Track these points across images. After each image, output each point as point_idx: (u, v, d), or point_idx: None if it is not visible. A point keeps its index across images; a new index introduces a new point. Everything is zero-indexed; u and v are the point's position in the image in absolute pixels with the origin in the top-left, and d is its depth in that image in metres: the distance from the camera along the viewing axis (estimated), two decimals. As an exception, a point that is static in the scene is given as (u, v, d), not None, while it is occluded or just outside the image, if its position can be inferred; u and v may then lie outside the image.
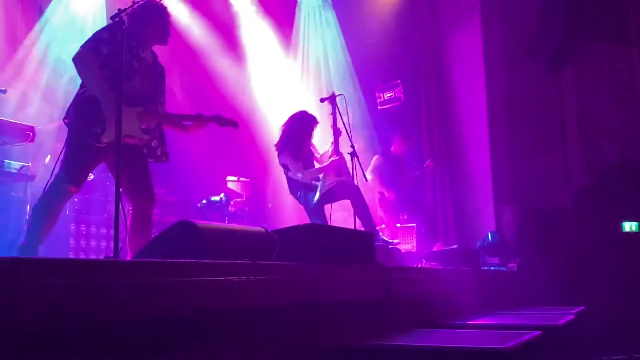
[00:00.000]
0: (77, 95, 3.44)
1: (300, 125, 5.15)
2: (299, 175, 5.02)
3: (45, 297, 1.41)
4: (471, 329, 3.11)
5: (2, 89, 4.81)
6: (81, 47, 3.37)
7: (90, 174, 5.21)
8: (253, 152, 8.01)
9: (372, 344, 2.40)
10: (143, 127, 3.50)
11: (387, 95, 8.02)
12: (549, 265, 5.70)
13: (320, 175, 5.03)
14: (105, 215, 5.69)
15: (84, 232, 5.36)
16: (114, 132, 3.31)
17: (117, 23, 3.37)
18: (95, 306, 1.52)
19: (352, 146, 5.22)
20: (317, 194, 4.98)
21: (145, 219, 3.49)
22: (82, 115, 3.36)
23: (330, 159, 5.14)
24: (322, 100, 5.36)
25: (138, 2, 3.20)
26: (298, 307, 2.25)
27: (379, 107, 8.00)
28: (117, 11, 3.09)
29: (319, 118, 5.28)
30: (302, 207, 5.27)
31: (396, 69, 7.96)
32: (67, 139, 3.42)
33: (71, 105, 3.44)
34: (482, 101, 6.99)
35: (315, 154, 5.33)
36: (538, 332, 2.67)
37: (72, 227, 5.27)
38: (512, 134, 6.85)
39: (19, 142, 4.63)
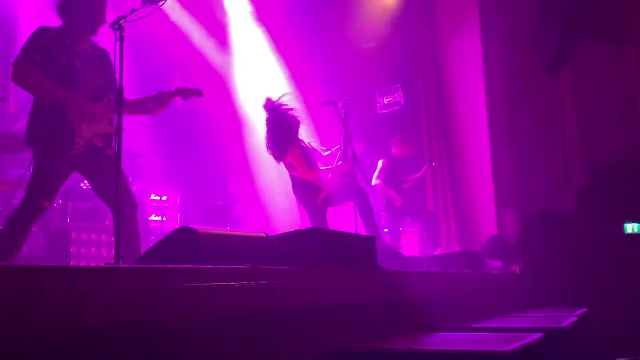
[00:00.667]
0: (32, 110, 3.29)
1: (281, 118, 5.03)
2: (303, 172, 4.98)
3: (46, 304, 1.40)
4: (473, 332, 3.10)
5: (2, 97, 4.80)
6: (13, 64, 3.24)
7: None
8: (254, 157, 8.02)
9: (374, 348, 2.39)
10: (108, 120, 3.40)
11: (387, 99, 8.04)
12: (551, 268, 5.69)
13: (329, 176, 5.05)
14: (107, 222, 5.70)
15: (85, 240, 5.36)
16: (85, 134, 3.28)
17: (40, 29, 3.34)
18: (96, 313, 1.51)
19: (353, 150, 5.23)
20: (322, 195, 4.97)
21: (129, 226, 3.34)
22: (45, 126, 3.23)
23: (338, 162, 5.15)
24: (323, 104, 5.36)
25: (137, 8, 3.17)
26: (299, 311, 2.25)
27: (379, 111, 8.01)
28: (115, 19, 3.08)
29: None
30: (303, 211, 5.26)
31: (395, 73, 7.98)
32: (34, 155, 3.26)
33: (29, 123, 3.28)
34: (482, 104, 7.00)
35: (321, 152, 5.33)
36: (540, 335, 2.66)
37: (73, 235, 5.27)
38: (512, 136, 6.85)
39: (19, 150, 4.62)
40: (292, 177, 5.14)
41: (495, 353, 2.17)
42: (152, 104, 3.64)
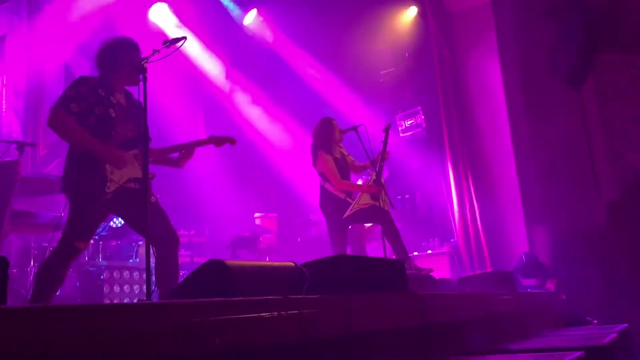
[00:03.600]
0: (67, 156, 3.38)
1: (321, 127, 5.33)
2: (333, 182, 5.08)
3: (83, 342, 1.42)
4: (512, 354, 3.03)
5: (32, 142, 4.93)
6: (51, 110, 3.32)
7: (121, 219, 5.31)
8: (279, 188, 8.08)
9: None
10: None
11: (408, 122, 8.04)
12: (586, 283, 5.56)
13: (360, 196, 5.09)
14: (138, 260, 5.75)
15: (117, 278, 5.41)
16: (117, 179, 3.35)
17: (79, 79, 3.44)
18: (131, 349, 1.53)
19: (379, 173, 5.26)
20: (349, 210, 5.02)
21: (171, 261, 3.40)
22: (79, 172, 3.31)
23: (371, 183, 5.19)
24: (344, 131, 5.41)
25: (159, 49, 3.25)
26: (331, 339, 2.23)
27: (401, 135, 8.01)
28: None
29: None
30: (332, 233, 5.25)
31: (416, 96, 8.00)
32: (69, 199, 3.35)
33: (65, 168, 3.37)
34: (504, 121, 6.96)
35: (356, 167, 5.41)
36: (581, 353, 2.59)
37: (105, 274, 5.33)
38: (538, 152, 6.78)
39: (51, 192, 4.72)
40: (322, 189, 5.21)
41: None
42: (176, 155, 3.72)
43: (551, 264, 6.08)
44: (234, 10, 8.13)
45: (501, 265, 6.39)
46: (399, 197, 7.52)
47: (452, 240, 6.76)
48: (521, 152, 6.87)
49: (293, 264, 2.65)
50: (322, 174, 5.21)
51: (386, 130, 5.49)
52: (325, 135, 5.30)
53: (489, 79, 7.17)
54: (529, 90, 6.91)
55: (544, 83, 6.78)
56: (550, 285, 5.80)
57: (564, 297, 5.51)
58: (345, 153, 5.42)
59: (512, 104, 6.98)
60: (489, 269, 6.04)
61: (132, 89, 3.55)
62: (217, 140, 3.76)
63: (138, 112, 3.43)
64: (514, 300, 4.70)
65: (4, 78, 6.17)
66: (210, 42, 8.00)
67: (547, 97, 6.76)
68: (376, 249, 6.02)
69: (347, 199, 5.12)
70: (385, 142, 5.41)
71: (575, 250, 5.99)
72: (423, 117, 7.86)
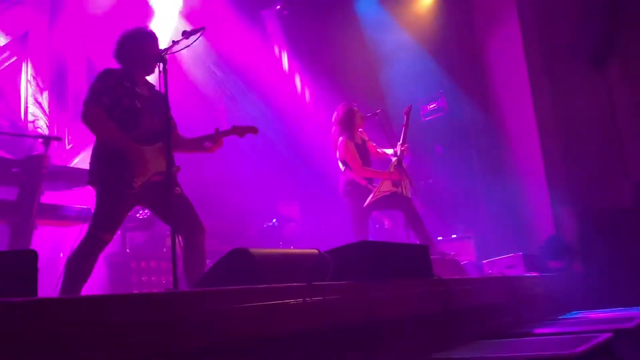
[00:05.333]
0: (94, 151, 3.44)
1: (342, 113, 5.33)
2: (354, 169, 5.08)
3: (112, 332, 1.45)
4: (538, 337, 3.02)
5: (58, 137, 5.00)
6: (84, 105, 3.38)
7: (147, 210, 5.39)
8: (303, 175, 8.10)
9: None
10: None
11: (431, 106, 7.97)
12: (614, 265, 5.48)
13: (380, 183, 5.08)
14: (164, 250, 5.83)
15: (145, 268, 5.50)
16: (144, 173, 3.39)
17: (105, 71, 3.47)
18: (159, 338, 1.56)
19: (400, 159, 5.24)
20: (370, 197, 5.00)
21: (198, 250, 3.46)
22: (106, 166, 3.36)
23: (392, 170, 5.17)
24: (374, 114, 5.38)
25: (177, 41, 3.27)
26: (356, 326, 2.24)
27: (423, 119, 7.95)
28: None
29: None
30: (354, 220, 5.26)
31: (437, 79, 7.92)
32: (97, 192, 3.41)
33: (92, 163, 3.43)
34: (528, 102, 6.85)
35: (378, 151, 5.40)
36: (609, 335, 2.57)
37: (133, 265, 5.41)
38: (562, 133, 6.67)
39: (77, 186, 4.80)
40: (343, 176, 5.20)
41: (562, 357, 2.11)
42: (209, 143, 3.74)
43: (578, 245, 6.01)
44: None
45: (526, 248, 6.33)
46: (422, 182, 7.47)
47: (476, 224, 6.71)
48: (545, 133, 6.78)
49: (316, 251, 2.67)
50: (343, 161, 5.20)
51: (407, 114, 5.46)
52: (346, 122, 5.29)
53: (511, 60, 7.07)
54: (552, 71, 6.79)
55: (568, 63, 6.65)
56: (577, 267, 5.73)
57: (592, 278, 5.45)
58: (366, 139, 5.40)
59: (535, 85, 6.87)
60: (514, 252, 5.99)
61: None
62: (240, 130, 3.79)
63: (161, 102, 3.47)
64: (540, 283, 4.67)
65: (28, 74, 6.27)
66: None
67: (571, 77, 6.64)
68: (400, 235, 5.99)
69: (369, 186, 5.11)
70: (406, 126, 5.38)
71: (603, 232, 5.90)
72: (445, 100, 7.78)
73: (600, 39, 6.42)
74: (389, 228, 6.30)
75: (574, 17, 6.62)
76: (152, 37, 3.60)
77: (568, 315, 4.26)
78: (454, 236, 6.66)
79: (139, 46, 3.53)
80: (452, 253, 5.47)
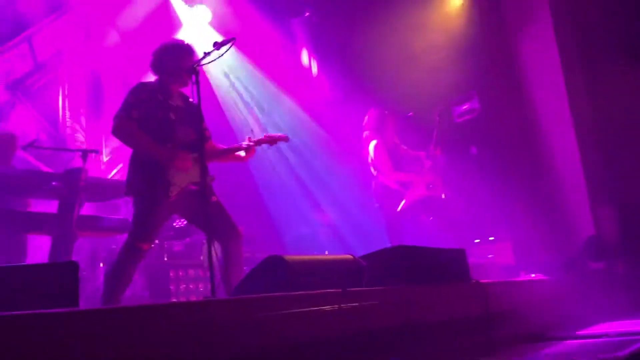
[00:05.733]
0: (130, 162, 3.51)
1: (373, 117, 5.31)
2: (386, 173, 5.05)
3: (153, 341, 1.47)
4: (580, 340, 2.95)
5: (95, 150, 5.11)
6: (115, 118, 3.45)
7: (183, 219, 5.46)
8: (336, 180, 8.10)
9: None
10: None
11: (464, 107, 7.88)
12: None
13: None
14: (202, 258, 5.89)
15: (183, 276, 5.56)
16: (179, 183, 3.43)
17: (138, 85, 3.53)
18: (199, 346, 1.57)
19: (433, 162, 5.19)
20: (404, 202, 4.97)
21: (235, 257, 3.50)
22: (142, 177, 3.43)
23: (425, 172, 5.13)
24: (406, 117, 5.35)
25: (208, 52, 3.30)
26: (392, 331, 2.23)
27: (456, 120, 7.87)
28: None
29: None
30: (388, 226, 5.23)
31: (469, 79, 7.82)
32: (134, 202, 3.47)
33: (129, 173, 3.50)
34: (564, 100, 6.71)
35: (410, 155, 5.37)
36: (655, 338, 2.49)
37: (172, 273, 5.48)
38: (601, 131, 6.51)
39: (115, 197, 4.89)
40: (375, 181, 5.18)
41: (607, 360, 2.05)
42: (241, 153, 3.79)
43: (619, 246, 5.85)
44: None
45: (566, 249, 6.20)
46: (457, 184, 7.37)
47: (514, 225, 6.59)
48: (583, 131, 6.62)
49: (351, 256, 2.66)
50: (374, 165, 5.18)
51: (439, 116, 5.41)
52: (377, 126, 5.27)
53: (545, 57, 6.93)
54: (588, 67, 6.64)
55: (605, 58, 6.49)
56: (618, 269, 5.58)
57: (635, 280, 5.29)
58: (398, 143, 5.37)
59: (570, 82, 6.72)
60: (554, 254, 5.86)
61: (188, 91, 3.62)
62: (272, 139, 3.82)
63: (195, 114, 3.52)
64: (581, 285, 4.56)
65: (66, 89, 6.43)
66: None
67: (609, 73, 6.48)
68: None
69: (401, 189, 5.07)
70: (438, 129, 5.33)
71: (645, 230, 5.74)
72: (478, 100, 7.69)
73: (638, 31, 6.25)
74: (428, 230, 6.24)
75: (610, 9, 6.46)
76: (188, 50, 3.65)
77: (611, 317, 4.15)
78: (491, 239, 6.55)
79: (175, 59, 3.59)
80: (489, 256, 5.39)
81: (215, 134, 3.96)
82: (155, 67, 3.67)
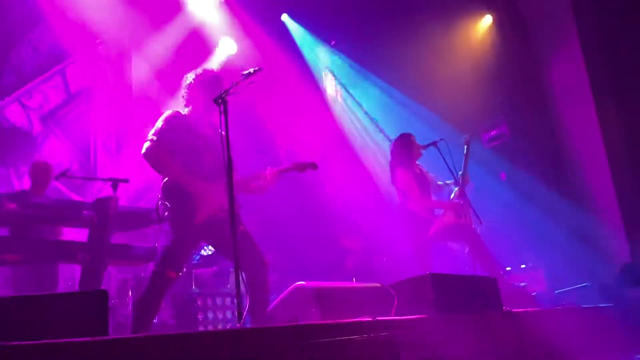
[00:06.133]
0: (161, 188, 3.53)
1: (400, 143, 5.24)
2: (414, 199, 5.00)
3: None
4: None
5: (125, 179, 5.18)
6: (147, 142, 3.50)
7: (211, 247, 5.48)
8: (363, 206, 8.06)
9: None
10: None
11: (492, 132, 7.83)
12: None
13: (440, 212, 4.99)
14: (229, 286, 5.89)
15: (210, 305, 5.56)
16: (206, 209, 3.45)
17: (170, 113, 3.58)
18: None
19: (462, 188, 5.14)
20: (433, 228, 4.91)
21: (261, 285, 3.47)
22: (171, 203, 3.45)
23: (454, 199, 5.08)
24: (425, 146, 5.32)
25: (236, 82, 3.34)
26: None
27: (485, 146, 7.80)
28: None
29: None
30: (416, 252, 5.16)
31: (497, 105, 7.77)
32: (163, 231, 3.52)
33: (159, 200, 3.52)
34: (594, 124, 6.61)
35: (436, 182, 5.32)
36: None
37: (199, 302, 5.48)
38: (633, 154, 6.38)
39: (143, 225, 4.93)
40: (402, 208, 5.13)
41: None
42: (256, 183, 3.77)
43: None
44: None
45: (601, 276, 6.04)
46: (487, 210, 7.28)
47: (546, 252, 6.45)
48: (615, 154, 6.49)
49: (380, 285, 2.62)
50: (402, 192, 5.14)
51: (467, 143, 5.37)
52: (404, 152, 5.24)
53: (575, 84, 6.86)
54: (619, 89, 6.54)
55: (636, 85, 6.39)
56: (658, 296, 5.40)
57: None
58: (425, 171, 5.33)
59: (601, 105, 6.62)
60: (587, 282, 5.71)
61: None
62: (300, 167, 3.82)
63: (223, 143, 3.54)
64: (617, 314, 4.42)
65: (96, 120, 6.58)
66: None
67: (640, 95, 6.38)
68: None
69: (430, 216, 5.02)
70: (467, 155, 5.29)
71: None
72: (507, 125, 7.62)
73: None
74: (456, 258, 6.16)
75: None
76: (219, 81, 3.69)
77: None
78: (523, 266, 6.43)
79: (206, 90, 3.63)
80: (522, 284, 5.27)
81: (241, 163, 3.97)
82: (186, 96, 3.73)
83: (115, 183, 4.48)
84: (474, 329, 2.58)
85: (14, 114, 5.98)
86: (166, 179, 3.54)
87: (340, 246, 7.45)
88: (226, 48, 7.64)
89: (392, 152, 5.38)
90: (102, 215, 4.28)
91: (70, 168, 5.41)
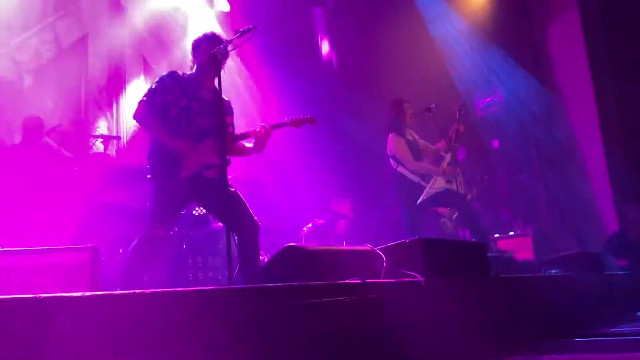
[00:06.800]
0: (149, 147, 3.52)
1: (393, 110, 5.24)
2: (406, 164, 5.01)
3: (171, 324, 1.47)
4: (605, 337, 2.90)
5: (116, 136, 5.13)
6: (138, 103, 3.49)
7: (202, 209, 5.48)
8: (355, 171, 8.06)
9: None
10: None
11: (488, 100, 7.79)
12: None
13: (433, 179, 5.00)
14: (220, 246, 5.90)
15: (200, 265, 5.58)
16: (192, 166, 3.43)
17: (168, 73, 3.55)
18: (216, 332, 1.57)
19: (453, 155, 5.14)
20: (423, 195, 4.93)
21: (252, 246, 3.49)
22: (157, 163, 3.45)
23: (445, 165, 5.08)
24: (428, 109, 5.28)
25: (229, 40, 3.30)
26: (411, 324, 2.20)
27: (480, 114, 7.78)
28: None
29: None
30: (407, 218, 5.19)
31: (495, 71, 7.72)
32: (150, 186, 3.48)
33: (147, 159, 3.52)
34: (590, 94, 6.60)
35: (432, 147, 5.32)
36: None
37: (190, 261, 5.50)
38: (626, 126, 6.40)
39: (133, 182, 4.90)
40: (395, 173, 5.14)
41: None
42: (250, 141, 3.72)
43: (644, 243, 5.74)
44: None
45: (589, 245, 6.11)
46: (478, 177, 7.32)
47: (535, 220, 6.52)
48: (608, 126, 6.51)
49: (370, 247, 2.64)
50: (394, 157, 5.13)
51: (460, 109, 5.33)
52: (397, 117, 5.22)
53: (572, 50, 6.82)
54: (616, 60, 6.51)
55: (634, 58, 6.35)
56: (642, 266, 5.49)
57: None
58: (417, 137, 5.32)
59: (597, 75, 6.61)
60: (576, 250, 5.78)
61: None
62: (297, 122, 3.75)
63: (225, 106, 3.52)
64: (603, 282, 4.49)
65: (88, 75, 6.48)
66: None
67: (636, 71, 6.35)
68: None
69: (422, 182, 5.03)
70: (459, 122, 5.26)
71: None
72: (503, 93, 7.59)
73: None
74: (449, 224, 6.19)
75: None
76: (219, 42, 3.59)
77: (634, 317, 4.08)
78: (511, 233, 6.49)
79: (206, 50, 3.54)
80: (509, 250, 5.33)
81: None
82: (192, 58, 3.68)
83: (105, 140, 4.45)
84: (461, 294, 2.61)
85: (4, 68, 5.87)
86: (151, 137, 3.52)
87: (332, 210, 7.48)
88: (220, 6, 7.51)
89: (384, 117, 5.36)
90: (92, 172, 4.26)
91: (61, 124, 5.35)
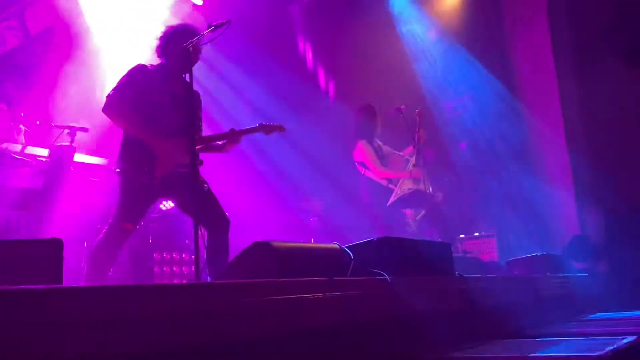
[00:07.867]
0: (121, 142, 3.51)
1: (363, 115, 5.28)
2: (373, 172, 5.08)
3: (134, 321, 1.47)
4: (560, 337, 2.98)
5: (84, 128, 5.03)
6: (107, 97, 3.43)
7: (170, 202, 5.43)
8: (325, 170, 8.08)
9: (453, 357, 2.34)
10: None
11: (456, 102, 7.90)
12: (639, 267, 5.38)
13: (400, 182, 5.07)
14: (187, 241, 5.87)
15: (167, 259, 5.54)
16: (165, 165, 3.42)
17: (136, 66, 3.49)
18: (178, 330, 1.56)
19: (424, 157, 5.22)
20: (392, 197, 5.01)
21: (221, 243, 3.50)
22: (130, 157, 3.43)
23: (412, 168, 5.15)
24: (398, 110, 5.34)
25: (202, 34, 3.28)
26: (376, 321, 2.24)
27: (448, 115, 7.88)
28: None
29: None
30: (376, 219, 5.26)
31: (464, 75, 7.83)
32: (120, 183, 3.45)
33: (119, 153, 3.50)
34: (555, 101, 6.75)
35: (396, 155, 5.38)
36: (634, 338, 2.52)
37: (155, 255, 5.46)
38: (590, 132, 6.56)
39: (101, 176, 4.84)
40: (363, 178, 5.20)
41: (586, 359, 2.07)
42: (219, 142, 3.72)
43: (602, 246, 5.90)
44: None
45: (551, 248, 6.25)
46: (446, 179, 7.41)
47: (500, 222, 6.63)
48: (573, 132, 6.67)
49: (337, 245, 2.66)
50: (361, 163, 5.19)
51: (419, 115, 5.40)
52: (366, 123, 5.25)
53: (540, 57, 6.96)
54: (582, 69, 6.67)
55: (599, 62, 6.52)
56: (601, 269, 5.64)
57: (618, 280, 5.36)
58: (381, 143, 5.38)
59: (563, 83, 6.76)
60: (538, 252, 5.91)
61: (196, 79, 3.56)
62: (267, 128, 3.77)
63: (195, 100, 3.49)
64: (563, 284, 4.61)
65: (56, 65, 6.35)
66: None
67: (602, 76, 6.51)
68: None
69: (390, 185, 5.10)
70: (420, 126, 5.32)
71: (629, 231, 5.79)
72: (471, 96, 7.70)
73: (636, 36, 6.27)
74: (413, 225, 6.27)
75: (607, 14, 6.48)
76: (194, 35, 3.54)
77: (592, 317, 4.20)
78: (476, 234, 6.60)
79: (178, 43, 3.47)
80: (474, 251, 5.43)
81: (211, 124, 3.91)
82: (160, 51, 3.62)
83: (73, 131, 4.38)
84: (426, 292, 2.65)
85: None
86: (126, 132, 3.49)
87: (301, 208, 7.49)
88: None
89: (353, 122, 5.39)
90: (59, 164, 4.19)
91: (27, 114, 5.24)
